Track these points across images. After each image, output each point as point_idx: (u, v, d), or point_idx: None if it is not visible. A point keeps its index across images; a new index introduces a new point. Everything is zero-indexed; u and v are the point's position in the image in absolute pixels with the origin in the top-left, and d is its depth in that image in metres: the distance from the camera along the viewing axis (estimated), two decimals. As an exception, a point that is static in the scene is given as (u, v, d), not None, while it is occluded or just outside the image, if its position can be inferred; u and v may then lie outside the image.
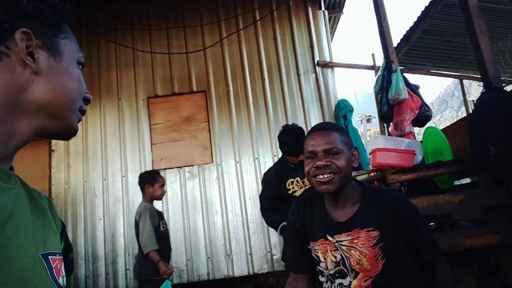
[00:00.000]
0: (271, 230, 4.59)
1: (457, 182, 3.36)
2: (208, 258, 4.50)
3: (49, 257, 0.63)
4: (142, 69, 5.18)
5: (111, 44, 5.19)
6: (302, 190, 3.00)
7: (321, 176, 1.44)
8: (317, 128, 1.56)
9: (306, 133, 1.63)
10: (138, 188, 4.73)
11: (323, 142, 1.47)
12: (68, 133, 0.72)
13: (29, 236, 0.60)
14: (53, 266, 0.63)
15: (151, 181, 3.50)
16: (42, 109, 0.65)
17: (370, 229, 1.44)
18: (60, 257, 0.68)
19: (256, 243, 4.56)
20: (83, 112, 0.74)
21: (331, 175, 1.43)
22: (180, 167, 4.81)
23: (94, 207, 4.75)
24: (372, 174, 2.97)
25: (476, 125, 2.47)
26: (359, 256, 1.44)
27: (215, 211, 4.67)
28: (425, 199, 2.48)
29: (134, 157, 4.91)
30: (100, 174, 4.85)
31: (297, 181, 3.04)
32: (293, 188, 3.03)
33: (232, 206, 4.68)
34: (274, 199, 3.06)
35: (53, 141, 4.89)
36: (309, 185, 2.81)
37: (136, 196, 4.75)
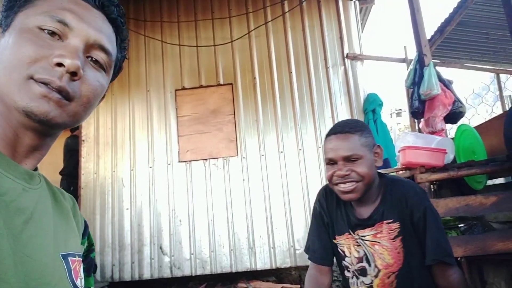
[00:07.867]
0: (295, 224, 4.58)
1: (490, 182, 3.22)
2: (231, 250, 4.52)
3: (68, 258, 0.63)
4: (170, 61, 5.21)
5: (141, 37, 5.25)
6: None
7: (343, 185, 1.39)
8: (335, 131, 1.46)
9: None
10: (164, 179, 4.82)
11: (342, 148, 1.40)
12: (37, 120, 0.57)
13: (49, 237, 0.60)
14: (72, 268, 0.63)
15: None
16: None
17: (390, 221, 1.42)
18: (79, 258, 0.67)
19: (279, 237, 4.54)
20: (52, 83, 0.56)
21: (353, 183, 1.38)
22: (205, 159, 4.83)
23: (121, 197, 4.85)
24: (400, 172, 2.88)
25: (512, 124, 2.35)
26: (381, 250, 1.41)
27: (238, 204, 4.67)
28: (455, 200, 2.39)
29: (160, 148, 4.96)
30: (128, 164, 4.94)
31: None
32: None
33: (256, 200, 4.67)
34: None
35: (83, 131, 5.02)
36: None
37: (162, 188, 4.82)
